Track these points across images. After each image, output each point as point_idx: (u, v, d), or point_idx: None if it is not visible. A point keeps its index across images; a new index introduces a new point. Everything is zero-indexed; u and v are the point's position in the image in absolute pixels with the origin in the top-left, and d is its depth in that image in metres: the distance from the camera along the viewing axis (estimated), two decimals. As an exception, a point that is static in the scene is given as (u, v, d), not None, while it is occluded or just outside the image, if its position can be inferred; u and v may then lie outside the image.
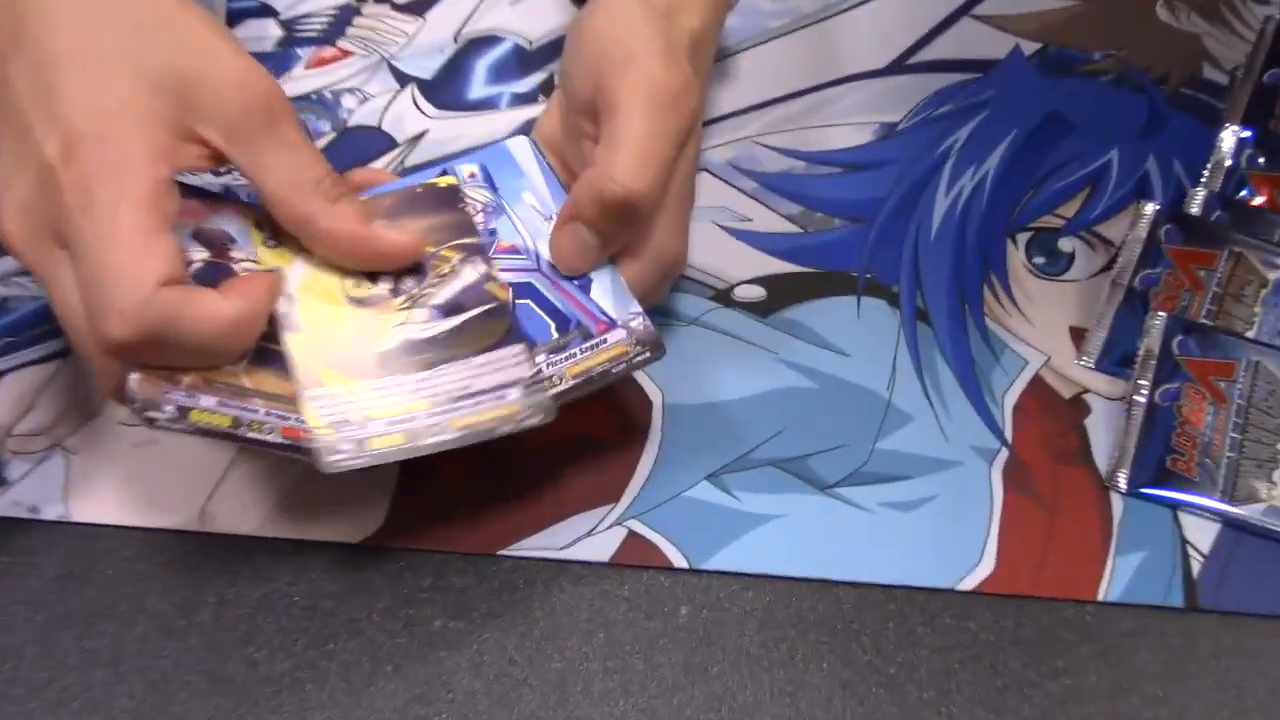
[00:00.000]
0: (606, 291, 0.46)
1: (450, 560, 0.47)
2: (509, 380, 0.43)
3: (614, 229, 0.45)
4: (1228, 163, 0.58)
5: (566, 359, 0.45)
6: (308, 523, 0.48)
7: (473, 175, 0.49)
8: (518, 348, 0.44)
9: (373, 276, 0.45)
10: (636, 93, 0.45)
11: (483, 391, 0.43)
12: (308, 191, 0.43)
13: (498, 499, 0.49)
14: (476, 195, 0.49)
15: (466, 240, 0.47)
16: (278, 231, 0.45)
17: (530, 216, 0.48)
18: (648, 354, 0.45)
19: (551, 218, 0.48)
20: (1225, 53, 0.64)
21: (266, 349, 0.43)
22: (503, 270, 0.47)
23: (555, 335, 0.45)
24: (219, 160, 0.43)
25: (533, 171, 0.49)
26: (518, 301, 0.46)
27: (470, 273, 0.46)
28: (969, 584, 0.47)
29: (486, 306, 0.45)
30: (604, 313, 0.46)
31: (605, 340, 0.45)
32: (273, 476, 0.49)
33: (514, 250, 0.47)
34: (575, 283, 0.47)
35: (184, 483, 0.49)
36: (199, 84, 0.41)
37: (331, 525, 0.48)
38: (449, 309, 0.45)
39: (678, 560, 0.47)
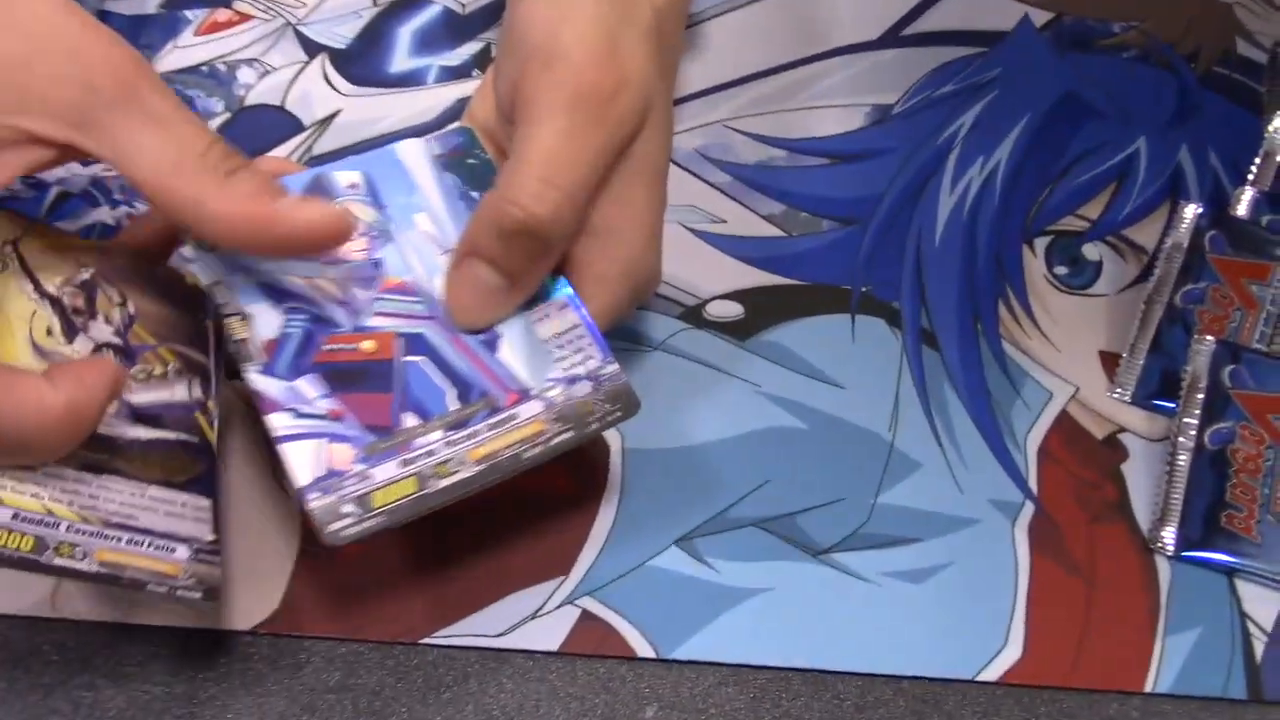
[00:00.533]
0: (518, 350, 0.37)
1: (362, 652, 0.38)
2: (181, 533, 0.35)
3: (520, 265, 0.37)
4: (1279, 157, 0.50)
5: (468, 438, 0.36)
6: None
7: (353, 186, 0.40)
8: (204, 503, 0.36)
9: (71, 332, 0.36)
10: (555, 97, 0.37)
11: (147, 531, 0.34)
12: (191, 170, 0.34)
13: (419, 575, 0.40)
14: (358, 212, 0.39)
15: (194, 354, 0.38)
16: None
17: (425, 246, 0.39)
18: (570, 432, 0.37)
19: (449, 252, 0.38)
20: (1262, 26, 0.56)
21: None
22: (388, 315, 0.38)
23: (454, 406, 0.36)
24: (66, 156, 0.34)
25: (428, 187, 0.40)
26: (406, 359, 0.37)
27: (182, 391, 0.37)
28: (993, 673, 0.39)
29: (186, 437, 0.36)
30: (514, 378, 0.37)
31: (515, 415, 0.37)
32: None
33: (403, 290, 0.38)
34: (480, 337, 0.38)
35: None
36: (20, 67, 0.32)
37: (215, 608, 0.39)
38: (143, 415, 0.36)
39: (642, 648, 0.39)
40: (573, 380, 0.37)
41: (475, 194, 0.40)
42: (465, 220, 0.38)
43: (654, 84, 0.39)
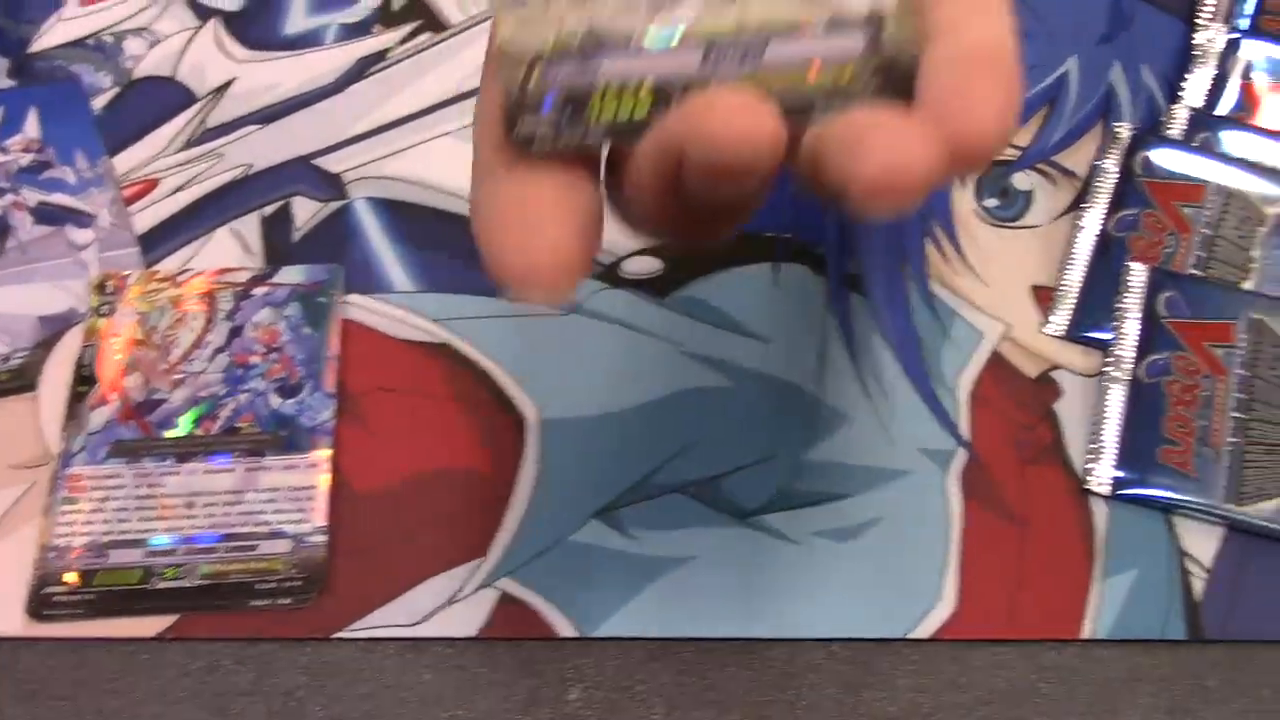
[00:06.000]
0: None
1: (274, 650, 0.37)
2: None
3: None
4: (1213, 71, 0.48)
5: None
6: (89, 612, 0.37)
7: None
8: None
9: None
10: None
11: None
12: None
13: (330, 565, 0.38)
14: None
15: None
16: None
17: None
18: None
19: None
20: (1196, -71, 0.54)
21: None
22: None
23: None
24: None
25: None
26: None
27: None
28: (926, 629, 0.38)
29: None
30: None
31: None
32: None
33: None
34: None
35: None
36: None
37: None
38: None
39: (563, 627, 0.38)
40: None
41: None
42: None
43: None
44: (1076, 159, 0.47)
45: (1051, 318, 0.44)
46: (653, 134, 0.24)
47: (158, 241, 0.44)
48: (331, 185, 0.46)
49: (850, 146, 0.23)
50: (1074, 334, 0.43)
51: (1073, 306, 0.44)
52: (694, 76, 0.24)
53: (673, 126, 0.23)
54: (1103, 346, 0.43)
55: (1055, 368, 0.43)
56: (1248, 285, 0.43)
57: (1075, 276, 0.44)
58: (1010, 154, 0.47)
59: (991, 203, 0.46)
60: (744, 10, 0.24)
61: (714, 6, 0.24)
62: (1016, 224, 0.46)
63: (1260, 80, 0.47)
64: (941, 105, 0.24)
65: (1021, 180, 0.47)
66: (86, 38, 0.49)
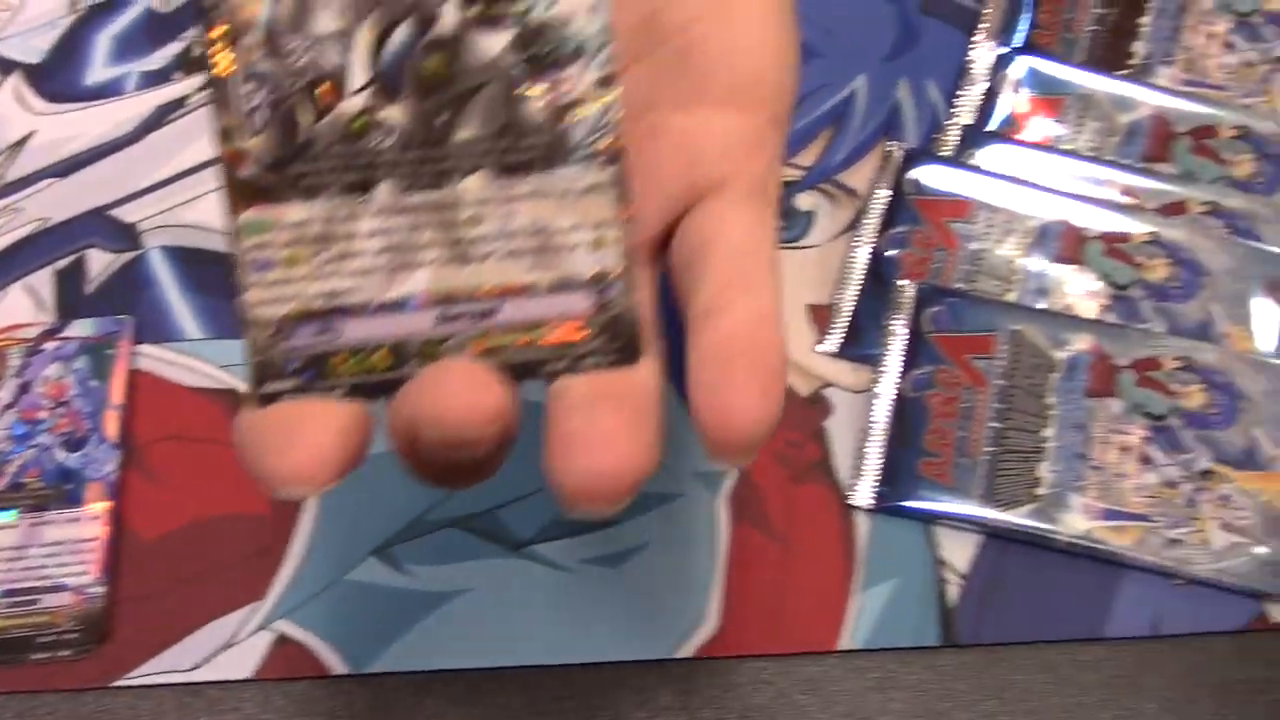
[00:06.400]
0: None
1: (54, 703, 0.38)
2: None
3: None
4: (985, 87, 0.49)
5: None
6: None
7: None
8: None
9: None
10: None
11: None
12: None
13: (108, 614, 0.40)
14: None
15: None
16: None
17: None
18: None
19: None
20: (984, -57, 0.55)
21: None
22: None
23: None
24: None
25: None
26: None
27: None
28: (689, 649, 0.40)
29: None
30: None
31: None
32: None
33: None
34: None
35: None
36: None
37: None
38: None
39: (336, 665, 0.39)
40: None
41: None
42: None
43: None
44: (859, 177, 0.49)
45: (826, 336, 0.45)
46: (389, 408, 0.26)
47: (-47, 300, 0.45)
48: (126, 236, 0.47)
49: (559, 446, 0.24)
50: (847, 352, 0.45)
51: (846, 325, 0.45)
52: (430, 336, 0.26)
53: (403, 402, 0.25)
54: (874, 363, 0.45)
55: (827, 386, 0.44)
56: (1011, 297, 0.45)
57: (849, 295, 0.46)
58: (793, 175, 0.49)
59: (775, 224, 0.48)
60: (477, 273, 0.26)
61: (449, 270, 0.26)
62: (796, 245, 0.47)
63: (1025, 95, 0.49)
64: (699, 402, 0.25)
65: (804, 200, 0.48)
66: (-114, 97, 0.50)
